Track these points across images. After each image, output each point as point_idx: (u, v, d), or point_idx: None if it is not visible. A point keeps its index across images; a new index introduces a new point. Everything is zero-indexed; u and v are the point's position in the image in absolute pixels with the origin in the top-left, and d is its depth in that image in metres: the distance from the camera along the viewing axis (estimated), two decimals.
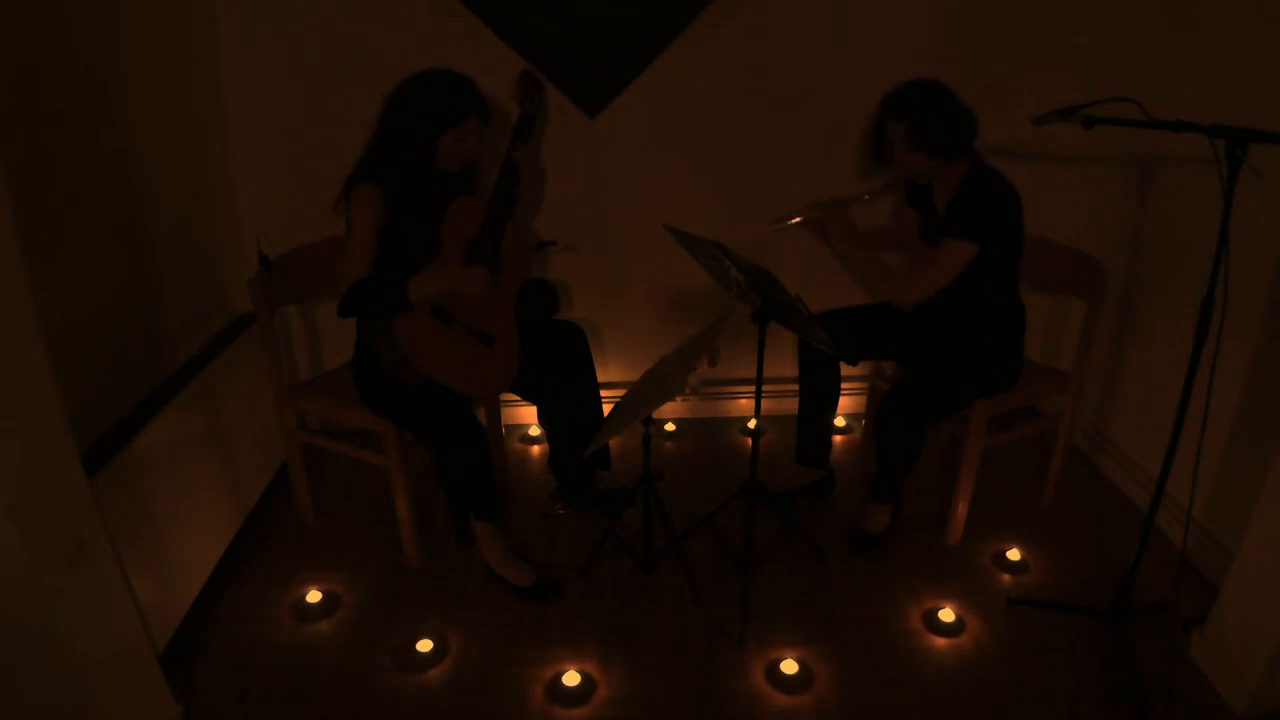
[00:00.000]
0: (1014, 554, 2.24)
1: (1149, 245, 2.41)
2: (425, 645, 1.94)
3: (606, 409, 2.38)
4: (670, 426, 2.93)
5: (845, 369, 2.41)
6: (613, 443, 2.50)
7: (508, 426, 2.89)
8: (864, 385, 2.77)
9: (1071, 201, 2.62)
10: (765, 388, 2.51)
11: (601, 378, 2.56)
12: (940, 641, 1.97)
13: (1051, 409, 2.74)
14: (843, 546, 2.30)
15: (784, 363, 2.78)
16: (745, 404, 3.00)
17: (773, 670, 1.88)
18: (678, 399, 2.95)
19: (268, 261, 2.14)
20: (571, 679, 1.85)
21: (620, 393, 2.84)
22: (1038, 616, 2.03)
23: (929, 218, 2.22)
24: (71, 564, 1.42)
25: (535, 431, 2.87)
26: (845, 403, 2.79)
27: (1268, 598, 1.70)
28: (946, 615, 2.02)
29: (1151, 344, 2.43)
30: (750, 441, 2.41)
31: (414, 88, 1.96)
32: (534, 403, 2.45)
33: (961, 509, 2.27)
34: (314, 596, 2.10)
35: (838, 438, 2.84)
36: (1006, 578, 2.19)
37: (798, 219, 2.27)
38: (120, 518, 1.64)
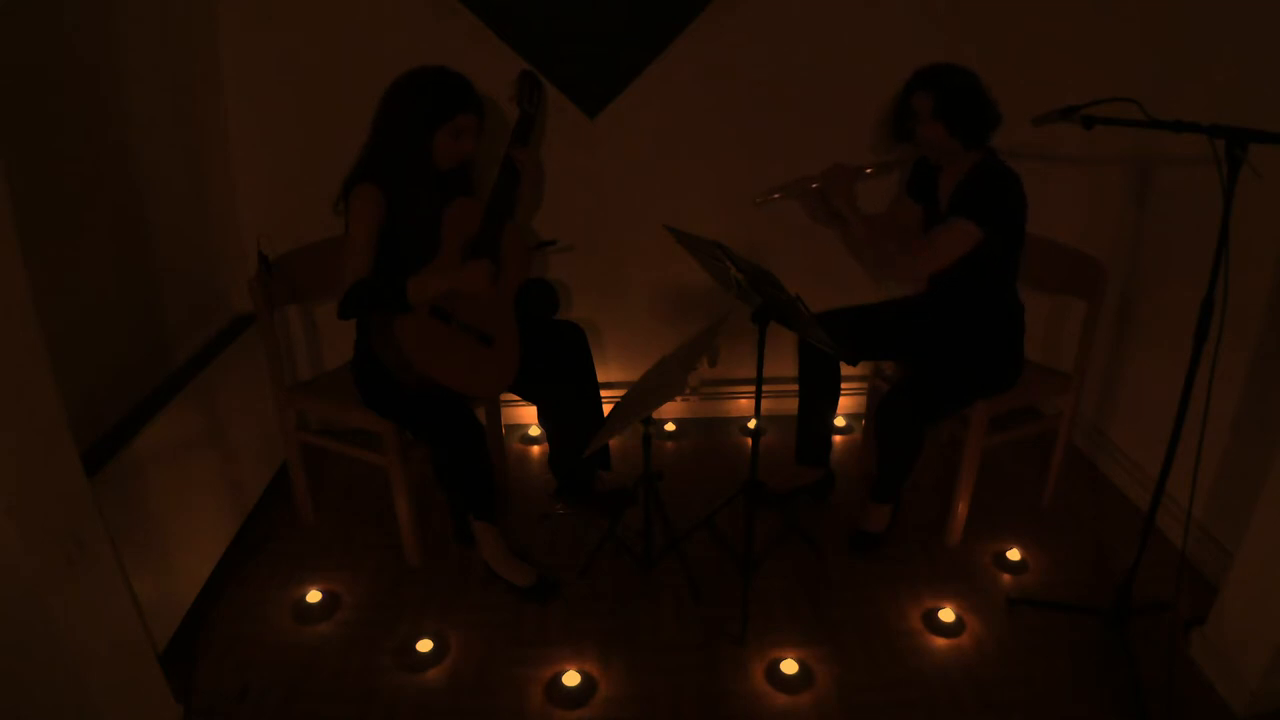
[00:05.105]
0: (1014, 554, 2.24)
1: (1149, 245, 2.41)
2: (425, 645, 1.94)
3: (606, 409, 2.38)
4: (670, 426, 2.93)
5: (845, 369, 2.41)
6: (613, 443, 2.51)
7: (508, 426, 2.89)
8: (864, 385, 2.77)
9: (1071, 201, 2.62)
10: (765, 388, 2.51)
11: (601, 378, 2.56)
12: (940, 641, 1.97)
13: (1051, 409, 2.74)
14: (843, 546, 2.30)
15: (784, 363, 2.78)
16: (745, 404, 3.00)
17: (773, 670, 1.88)
18: (678, 399, 2.95)
19: (268, 261, 2.14)
20: (571, 679, 1.85)
21: (620, 393, 2.84)
22: (1038, 616, 2.03)
23: (932, 211, 2.22)
24: (71, 564, 1.42)
25: (535, 431, 2.87)
26: (845, 403, 2.79)
27: (1268, 598, 1.70)
28: (946, 615, 2.02)
29: (1151, 344, 2.43)
30: (750, 441, 2.41)
31: (406, 85, 1.96)
32: (534, 403, 2.45)
33: (961, 509, 2.27)
34: (314, 596, 2.10)
35: (838, 438, 2.84)
36: (1006, 578, 2.19)
37: (778, 195, 2.29)
38: (120, 518, 1.64)
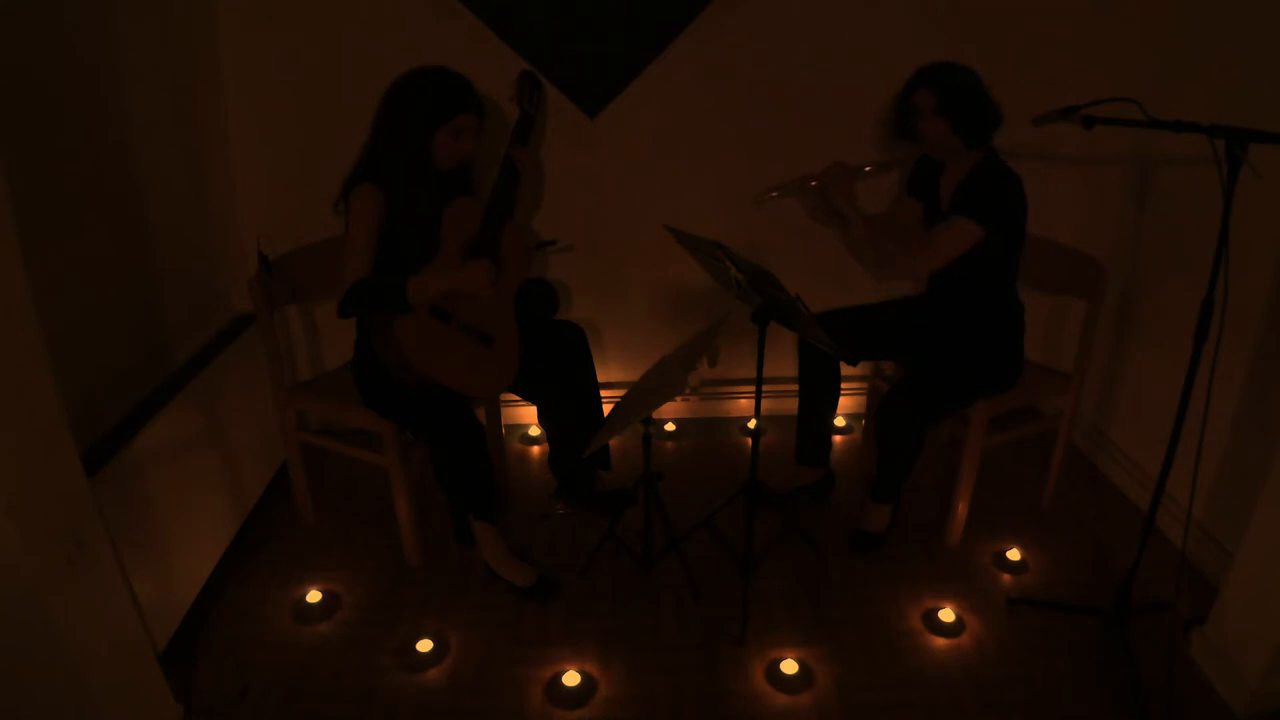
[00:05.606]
0: (1014, 554, 2.24)
1: (1149, 245, 2.41)
2: (425, 645, 1.94)
3: (606, 409, 2.38)
4: (670, 426, 2.93)
5: (845, 369, 2.41)
6: (613, 443, 2.51)
7: (508, 426, 2.89)
8: (864, 385, 2.77)
9: (1071, 201, 2.62)
10: (765, 388, 2.51)
11: (601, 378, 2.56)
12: (940, 641, 1.97)
13: (1051, 409, 2.74)
14: (843, 546, 2.30)
15: (784, 363, 2.78)
16: (745, 404, 3.00)
17: (773, 670, 1.88)
18: (678, 399, 2.95)
19: (268, 261, 2.14)
20: (571, 679, 1.85)
21: (620, 393, 2.84)
22: (1038, 616, 2.03)
23: (933, 209, 2.22)
24: (71, 564, 1.42)
25: (535, 431, 2.87)
26: (845, 403, 2.79)
27: (1268, 598, 1.70)
28: (946, 615, 2.02)
29: (1151, 344, 2.43)
30: (750, 441, 2.41)
31: (406, 85, 1.96)
32: (534, 403, 2.45)
33: (961, 509, 2.27)
34: (314, 596, 2.10)
35: (838, 438, 2.84)
36: (1006, 578, 2.19)
37: (778, 193, 2.31)
38: (120, 518, 1.64)
